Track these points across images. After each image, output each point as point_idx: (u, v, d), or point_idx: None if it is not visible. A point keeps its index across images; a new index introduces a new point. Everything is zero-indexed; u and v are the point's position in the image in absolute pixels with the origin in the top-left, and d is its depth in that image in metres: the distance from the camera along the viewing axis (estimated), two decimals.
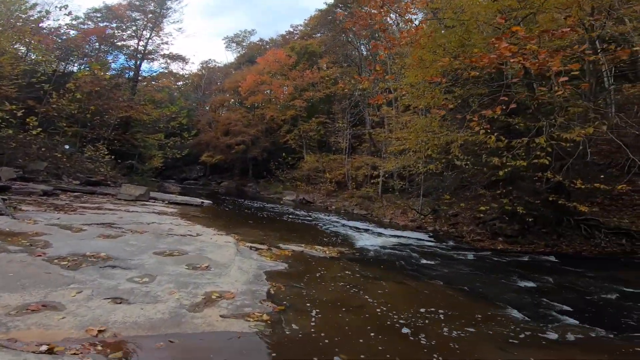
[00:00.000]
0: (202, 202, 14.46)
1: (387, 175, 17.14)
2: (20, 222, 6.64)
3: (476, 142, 10.02)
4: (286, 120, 27.47)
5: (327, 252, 7.54)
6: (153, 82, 24.52)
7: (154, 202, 13.44)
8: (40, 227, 6.25)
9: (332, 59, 27.79)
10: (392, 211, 17.62)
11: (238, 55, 42.54)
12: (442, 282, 5.91)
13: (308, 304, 4.27)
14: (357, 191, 20.41)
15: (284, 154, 26.55)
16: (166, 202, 13.61)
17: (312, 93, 25.86)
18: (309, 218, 14.87)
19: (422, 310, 4.48)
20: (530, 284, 6.20)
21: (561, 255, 9.67)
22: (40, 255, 4.76)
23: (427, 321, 4.16)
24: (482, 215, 9.86)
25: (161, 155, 20.12)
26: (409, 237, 12.24)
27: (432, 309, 4.52)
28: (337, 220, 15.22)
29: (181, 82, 38.14)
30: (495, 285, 6.19)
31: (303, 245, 8.57)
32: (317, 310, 4.11)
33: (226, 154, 29.58)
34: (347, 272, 5.91)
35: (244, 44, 42.66)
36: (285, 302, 4.20)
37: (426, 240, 11.97)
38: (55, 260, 4.61)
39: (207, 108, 34.76)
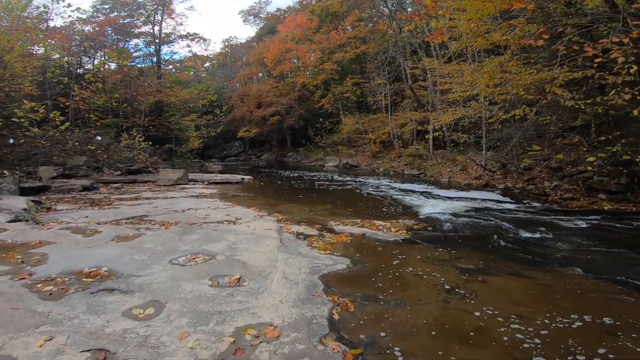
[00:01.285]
0: (242, 179, 13.17)
1: (439, 130, 14.62)
2: (33, 228, 5.53)
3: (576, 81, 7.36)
4: (318, 85, 25.21)
5: (393, 231, 5.74)
6: (177, 64, 23.22)
7: (194, 184, 12.35)
8: (49, 234, 5.06)
9: (357, 17, 24.48)
10: (449, 169, 15.27)
11: (258, 28, 40.07)
12: (581, 270, 3.90)
13: (398, 338, 2.57)
14: (404, 150, 18.13)
15: (320, 119, 24.53)
16: (205, 182, 12.47)
17: (342, 54, 23.16)
18: (357, 184, 13.07)
19: (591, 329, 2.60)
20: None
21: None
22: (25, 278, 3.48)
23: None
24: (589, 168, 7.37)
25: (197, 136, 19.04)
26: (480, 199, 10.09)
27: (612, 330, 2.62)
28: (389, 183, 13.29)
29: (208, 64, 36.95)
30: None
31: (359, 221, 6.85)
32: (416, 349, 2.41)
33: (262, 127, 28.21)
34: (434, 264, 4.10)
35: (262, 15, 39.84)
36: (361, 338, 2.54)
37: (503, 202, 9.74)
38: (39, 285, 3.28)
39: (237, 85, 33.23)
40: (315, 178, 15.20)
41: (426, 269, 3.91)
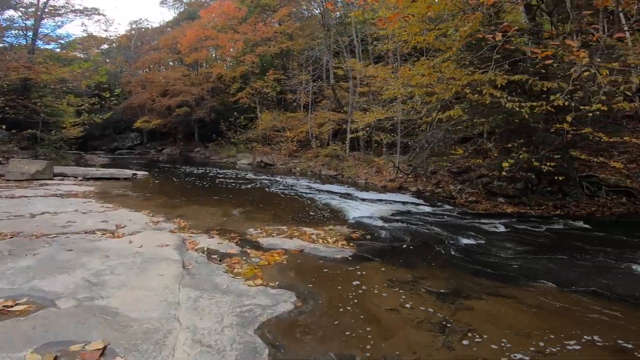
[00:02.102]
0: (134, 174, 10.60)
1: (358, 131, 14.28)
2: None
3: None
4: (236, 78, 23.04)
5: (331, 242, 4.64)
6: (59, 40, 18.20)
7: (62, 179, 9.38)
8: None
9: (287, 12, 23.18)
10: (365, 170, 15.09)
11: (177, 13, 35.41)
12: (551, 283, 3.36)
13: None
14: (322, 150, 17.48)
15: (235, 113, 22.38)
16: (79, 178, 9.59)
17: (266, 48, 21.53)
18: (275, 184, 11.76)
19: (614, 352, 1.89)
20: None
21: (578, 217, 7.82)
22: None
23: None
24: (503, 173, 7.44)
25: (75, 122, 15.04)
26: (399, 202, 9.81)
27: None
28: (308, 184, 12.32)
29: (106, 45, 31.15)
30: (610, 273, 3.79)
31: (285, 228, 5.60)
32: None
33: (166, 118, 24.58)
34: (402, 289, 3.12)
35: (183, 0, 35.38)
36: None
37: (420, 205, 9.58)
38: None
39: (140, 71, 28.45)
40: (227, 176, 13.34)
41: (398, 299, 2.89)
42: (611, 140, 7.58)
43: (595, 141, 8.16)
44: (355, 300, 2.82)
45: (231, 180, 11.98)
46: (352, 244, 4.57)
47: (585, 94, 6.04)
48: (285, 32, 21.89)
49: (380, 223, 6.64)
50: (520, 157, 7.90)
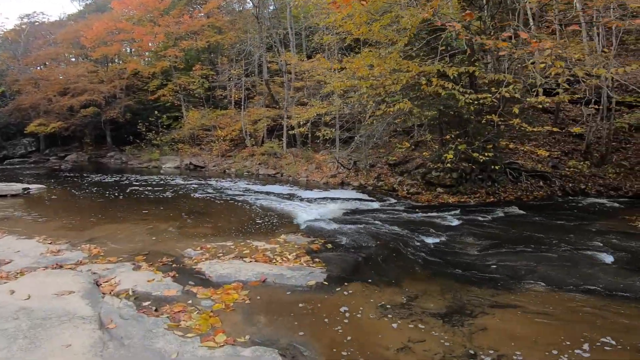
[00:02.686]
0: (26, 189, 8.47)
1: (298, 126, 13.64)
2: None
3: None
4: (156, 74, 20.49)
5: (291, 259, 3.92)
6: None
7: None
8: None
9: (217, 5, 21.19)
10: (305, 167, 14.54)
11: (84, 6, 30.21)
12: (542, 283, 3.16)
13: None
14: (258, 148, 16.46)
15: (156, 112, 19.89)
16: None
17: (192, 42, 19.44)
18: (209, 189, 10.53)
19: None
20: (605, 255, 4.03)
21: (510, 203, 8.36)
22: None
23: None
24: (446, 164, 7.51)
25: None
26: (346, 199, 9.47)
27: None
28: (247, 186, 11.32)
29: None
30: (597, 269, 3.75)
31: (231, 244, 4.74)
32: None
33: (68, 120, 20.88)
34: (400, 317, 2.58)
35: None
36: None
37: (366, 201, 9.39)
38: None
39: (30, 69, 23.65)
40: (151, 183, 11.61)
41: (403, 332, 2.35)
42: (534, 130, 8.14)
43: (521, 131, 8.79)
44: (355, 344, 2.19)
45: (157, 189, 10.39)
46: (317, 259, 3.90)
47: (523, 87, 6.25)
48: (214, 26, 20.10)
49: (334, 226, 6.12)
50: (459, 147, 8.07)
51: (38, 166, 18.23)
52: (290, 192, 10.32)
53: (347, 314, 2.60)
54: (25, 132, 21.04)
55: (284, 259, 4.02)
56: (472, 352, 2.18)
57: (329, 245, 4.73)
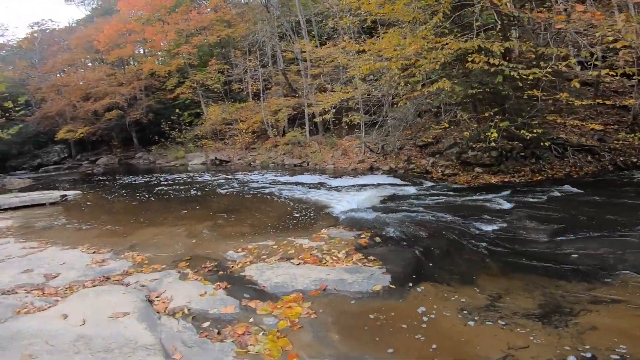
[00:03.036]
0: (64, 196, 8.61)
1: (322, 113, 13.17)
2: None
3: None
4: (172, 72, 20.48)
5: (341, 257, 3.64)
6: None
7: None
8: None
9: None
10: (330, 154, 14.19)
11: (91, 10, 30.44)
12: (634, 272, 2.72)
13: None
14: (280, 138, 16.22)
15: (177, 110, 19.98)
16: None
17: (203, 38, 19.19)
18: (238, 183, 10.41)
19: None
20: None
21: (560, 181, 7.69)
22: None
23: None
24: (490, 143, 6.93)
25: None
26: (379, 185, 9.11)
27: None
28: (275, 177, 11.13)
29: (4, 52, 26.17)
30: None
31: (272, 243, 4.52)
32: None
33: (95, 124, 21.34)
34: (489, 322, 2.25)
35: None
36: None
37: (401, 185, 8.99)
38: None
39: (50, 77, 24.11)
40: (180, 182, 11.64)
41: (501, 339, 2.07)
42: (582, 103, 7.39)
43: (567, 105, 8.02)
44: (448, 357, 1.90)
45: (186, 187, 10.37)
46: (370, 257, 3.59)
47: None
48: (223, 20, 19.74)
49: (375, 216, 5.79)
50: (500, 125, 7.44)
51: (72, 172, 18.80)
52: (320, 181, 10.04)
53: (428, 324, 2.29)
54: (55, 139, 21.67)
55: (334, 258, 3.74)
56: (588, 354, 1.84)
57: (377, 239, 4.42)
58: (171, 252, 4.52)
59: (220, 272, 3.54)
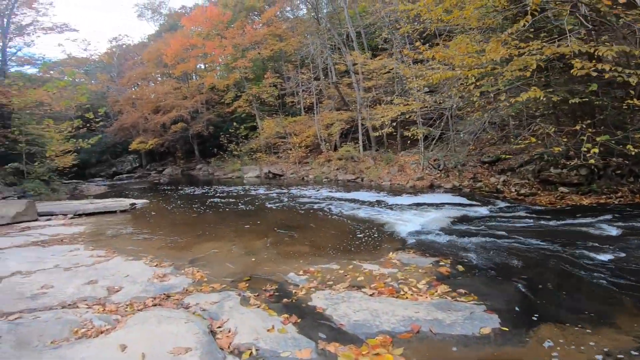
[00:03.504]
0: (133, 205, 9.04)
1: (380, 127, 12.65)
2: None
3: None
4: (230, 86, 21.49)
5: (422, 288, 3.08)
6: (38, 64, 16.36)
7: (48, 219, 7.82)
8: None
9: (273, 14, 21.58)
10: (386, 170, 13.55)
11: (158, 25, 33.73)
12: None
13: None
14: (333, 153, 15.93)
15: (235, 124, 20.80)
16: (69, 216, 8.03)
17: (258, 51, 19.96)
18: (293, 198, 10.19)
19: None
20: None
21: None
22: None
23: None
24: (592, 161, 5.88)
25: (62, 150, 13.31)
26: (445, 204, 8.30)
27: None
28: (330, 194, 10.75)
29: (87, 66, 29.51)
30: None
31: (336, 267, 4.08)
32: None
33: (162, 136, 23.00)
34: None
35: (162, 11, 33.54)
36: None
37: (470, 206, 8.10)
38: None
39: (126, 90, 26.65)
40: (236, 195, 11.77)
41: None
42: None
43: None
44: None
45: (242, 200, 10.40)
46: (460, 290, 2.98)
47: None
48: (274, 34, 20.38)
49: (449, 239, 5.09)
50: (599, 139, 6.32)
51: (142, 180, 20.23)
52: (377, 199, 9.46)
53: None
54: (129, 149, 23.67)
55: (414, 289, 3.18)
56: None
57: (460, 267, 3.76)
58: (230, 270, 4.29)
59: (285, 300, 3.17)
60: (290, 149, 17.39)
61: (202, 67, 25.72)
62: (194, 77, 25.45)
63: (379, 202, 8.98)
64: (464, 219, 6.73)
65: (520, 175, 10.52)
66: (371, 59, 15.20)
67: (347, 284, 3.55)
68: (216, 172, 19.87)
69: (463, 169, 12.24)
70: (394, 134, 14.99)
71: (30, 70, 16.37)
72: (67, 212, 8.21)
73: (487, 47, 5.14)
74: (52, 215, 8.17)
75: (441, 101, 8.71)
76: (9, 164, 11.57)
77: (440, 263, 3.92)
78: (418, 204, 8.41)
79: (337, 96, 17.40)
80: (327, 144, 16.36)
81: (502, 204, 8.21)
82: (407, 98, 10.66)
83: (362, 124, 15.38)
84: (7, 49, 14.16)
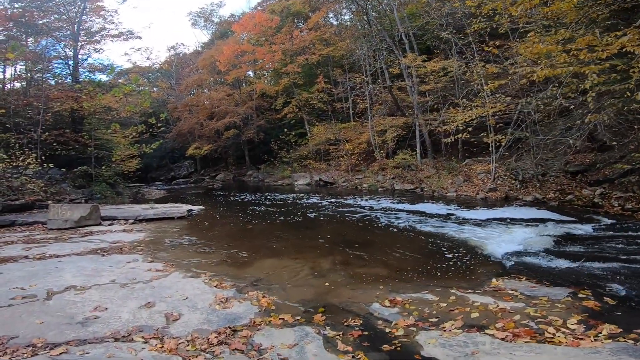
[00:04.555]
0: (190, 211, 8.84)
1: (455, 133, 11.32)
2: None
3: None
4: (279, 92, 21.41)
5: (582, 334, 2.10)
6: (100, 67, 17.45)
7: (111, 224, 7.81)
8: None
9: (319, 19, 21.25)
10: (450, 180, 12.25)
11: (210, 33, 35.21)
12: None
13: None
14: (388, 161, 14.90)
15: (285, 130, 20.60)
16: (130, 221, 7.97)
17: (307, 56, 19.67)
18: (351, 209, 9.39)
19: None
20: None
21: None
22: None
23: None
24: None
25: (127, 154, 13.88)
26: (534, 219, 7.03)
27: None
28: (391, 205, 9.77)
29: (150, 74, 31.49)
30: None
31: (436, 298, 3.24)
32: None
33: (216, 142, 23.50)
34: None
35: (214, 19, 35.07)
36: None
37: (568, 222, 6.74)
38: None
39: (184, 96, 27.89)
40: (289, 203, 11.25)
41: None
42: None
43: None
44: None
45: (296, 209, 9.81)
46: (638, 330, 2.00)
47: None
48: (322, 39, 19.91)
49: (566, 264, 4.04)
50: None
51: (197, 185, 20.71)
52: (448, 212, 8.34)
53: None
54: (186, 155, 24.51)
55: (565, 330, 2.22)
56: None
57: (610, 300, 2.74)
58: (299, 296, 3.61)
59: (384, 346, 2.39)
60: (342, 156, 16.66)
61: (251, 74, 26.09)
62: (244, 83, 25.89)
63: (449, 216, 7.88)
64: (568, 238, 5.51)
65: (621, 187, 8.77)
66: (425, 61, 14.07)
67: (460, 322, 2.68)
68: (266, 179, 19.74)
69: (544, 179, 10.64)
70: (454, 141, 13.64)
71: (99, 77, 17.55)
72: (129, 218, 8.18)
73: (602, 41, 4.01)
74: (115, 220, 8.17)
75: (522, 105, 7.45)
76: (79, 167, 12.15)
77: (579, 295, 2.90)
78: (500, 219, 7.20)
79: (389, 101, 16.40)
80: (382, 151, 15.38)
81: (607, 221, 6.79)
82: (473, 101, 9.44)
83: (419, 130, 14.23)
84: (79, 56, 15.08)
